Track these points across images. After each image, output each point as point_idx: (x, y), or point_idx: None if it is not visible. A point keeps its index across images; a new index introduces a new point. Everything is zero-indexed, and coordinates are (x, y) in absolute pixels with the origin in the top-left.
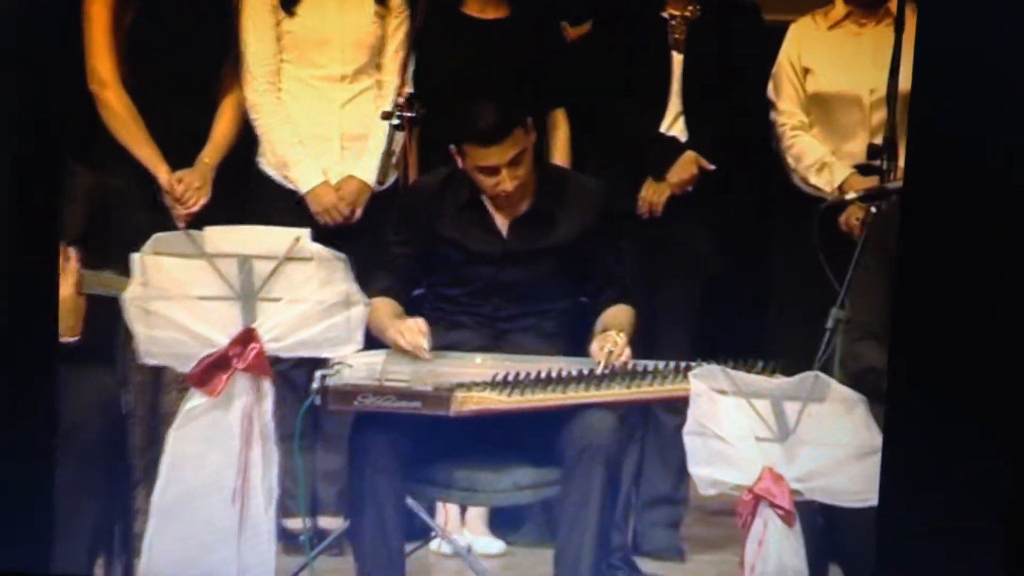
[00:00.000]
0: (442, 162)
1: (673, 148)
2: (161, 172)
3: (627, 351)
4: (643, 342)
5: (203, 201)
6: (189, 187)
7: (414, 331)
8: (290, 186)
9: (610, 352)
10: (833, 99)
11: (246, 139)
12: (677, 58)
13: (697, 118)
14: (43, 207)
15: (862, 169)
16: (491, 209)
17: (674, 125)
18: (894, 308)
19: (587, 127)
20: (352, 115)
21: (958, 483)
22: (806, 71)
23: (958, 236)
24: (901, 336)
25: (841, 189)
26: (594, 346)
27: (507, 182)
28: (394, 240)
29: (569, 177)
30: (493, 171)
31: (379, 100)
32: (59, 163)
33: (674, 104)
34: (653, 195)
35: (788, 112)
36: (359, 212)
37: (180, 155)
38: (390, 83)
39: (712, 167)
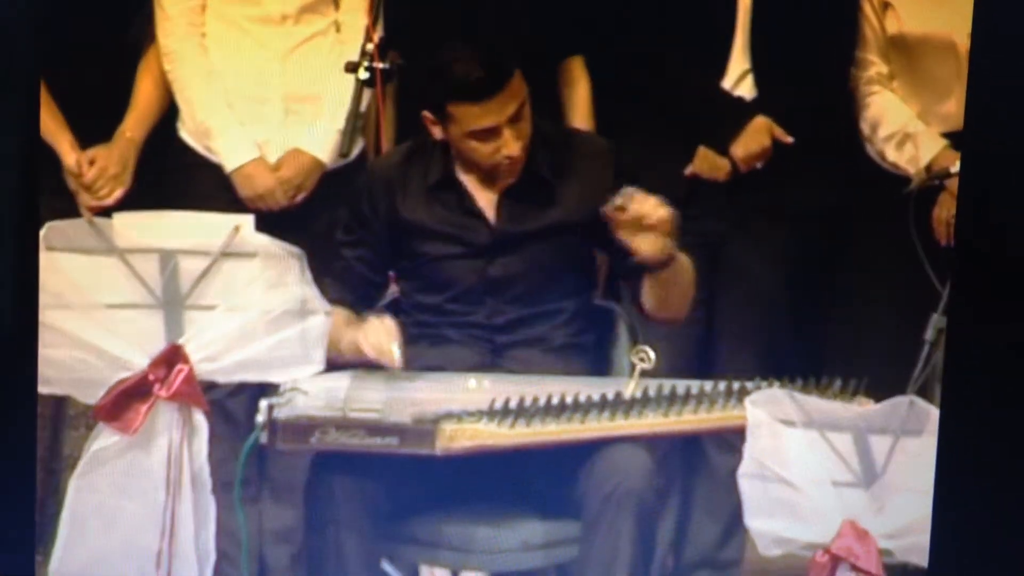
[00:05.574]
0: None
1: (739, 111)
2: (66, 150)
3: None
4: (688, 357)
5: (119, 193)
6: (103, 172)
7: (379, 331)
8: (215, 159)
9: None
10: (920, 44)
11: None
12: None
13: (770, 78)
14: None
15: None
16: (470, 186)
17: (739, 86)
18: (949, 306)
19: (616, 83)
20: (299, 68)
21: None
22: (885, 5)
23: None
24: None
25: (929, 169)
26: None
27: (511, 144)
28: (345, 240)
29: (567, 134)
30: (491, 134)
31: (337, 47)
32: None
33: (738, 60)
34: (708, 171)
35: (863, 60)
36: (300, 196)
37: (94, 127)
38: (352, 24)
39: (789, 140)
